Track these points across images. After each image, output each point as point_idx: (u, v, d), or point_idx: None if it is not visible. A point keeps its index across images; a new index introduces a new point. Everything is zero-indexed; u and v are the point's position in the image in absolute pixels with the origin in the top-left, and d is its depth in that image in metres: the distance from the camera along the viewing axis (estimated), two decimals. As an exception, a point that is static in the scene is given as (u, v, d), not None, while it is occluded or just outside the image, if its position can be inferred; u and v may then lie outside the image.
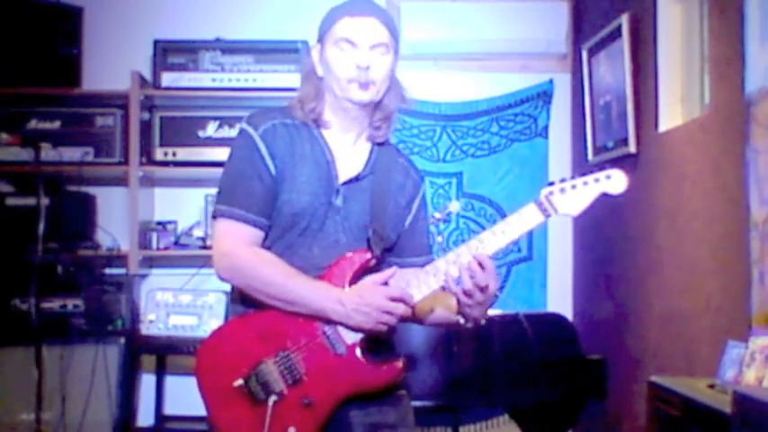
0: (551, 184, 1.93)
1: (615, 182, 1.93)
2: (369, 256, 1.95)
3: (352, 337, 1.92)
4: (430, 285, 1.93)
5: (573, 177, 1.93)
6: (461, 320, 1.99)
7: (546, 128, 4.52)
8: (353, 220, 1.99)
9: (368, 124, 2.03)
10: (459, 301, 1.94)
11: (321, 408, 1.90)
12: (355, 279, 1.93)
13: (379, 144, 2.06)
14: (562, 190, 1.91)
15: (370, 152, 2.05)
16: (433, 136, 4.53)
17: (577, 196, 1.92)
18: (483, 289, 1.89)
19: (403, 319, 1.95)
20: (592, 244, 4.26)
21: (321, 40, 2.00)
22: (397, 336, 2.07)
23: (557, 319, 3.83)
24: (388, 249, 2.04)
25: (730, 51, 2.71)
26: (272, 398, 1.90)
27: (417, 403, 3.38)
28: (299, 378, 1.90)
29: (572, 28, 4.44)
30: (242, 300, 2.00)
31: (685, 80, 3.28)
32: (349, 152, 2.03)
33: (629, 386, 3.57)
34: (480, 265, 1.88)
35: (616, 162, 3.46)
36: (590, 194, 1.92)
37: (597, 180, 1.92)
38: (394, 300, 1.89)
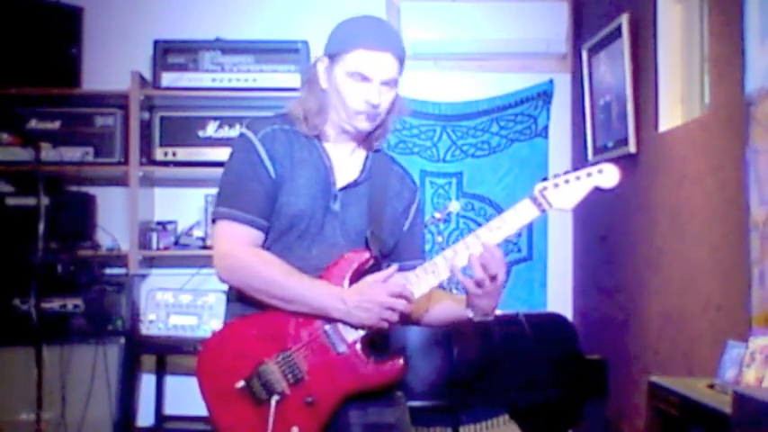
0: (545, 179, 1.96)
1: (607, 176, 1.95)
2: (367, 255, 1.96)
3: (352, 335, 1.92)
4: (429, 282, 1.95)
5: (566, 173, 1.96)
6: (470, 314, 2.00)
7: (546, 128, 4.52)
8: (351, 224, 2.00)
9: (366, 136, 2.06)
10: (468, 294, 1.95)
11: (324, 406, 1.91)
12: (354, 278, 1.94)
13: (374, 151, 2.09)
14: (555, 185, 1.94)
15: (366, 158, 2.08)
16: (433, 136, 4.53)
17: (571, 191, 1.95)
18: (493, 278, 1.91)
19: (401, 321, 1.96)
20: (592, 244, 4.26)
21: (331, 58, 1.97)
22: (398, 336, 2.07)
23: (557, 319, 3.83)
24: (386, 255, 2.05)
25: (730, 51, 2.71)
26: (275, 398, 1.90)
27: (417, 403, 3.41)
28: (301, 377, 1.91)
29: (572, 28, 4.44)
30: (239, 299, 2.00)
31: (685, 80, 3.28)
32: (347, 160, 2.05)
33: (629, 386, 3.57)
34: (490, 253, 1.90)
35: (616, 162, 3.45)
36: (583, 189, 1.95)
37: (589, 174, 1.95)
38: (394, 296, 1.90)
